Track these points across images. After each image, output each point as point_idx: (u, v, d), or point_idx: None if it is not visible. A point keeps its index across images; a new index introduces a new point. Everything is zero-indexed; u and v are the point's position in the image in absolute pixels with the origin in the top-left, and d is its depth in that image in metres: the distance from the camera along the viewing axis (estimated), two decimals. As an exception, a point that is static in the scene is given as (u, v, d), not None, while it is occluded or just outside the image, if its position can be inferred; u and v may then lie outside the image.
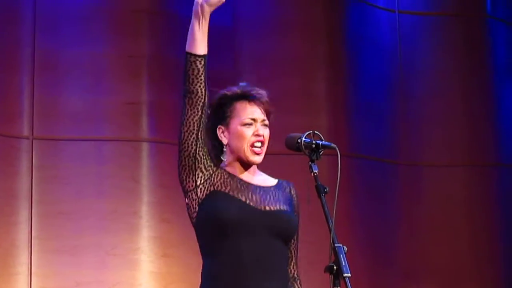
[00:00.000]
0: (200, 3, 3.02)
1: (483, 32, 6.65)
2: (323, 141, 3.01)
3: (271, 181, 3.17)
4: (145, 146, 5.42)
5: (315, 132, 3.03)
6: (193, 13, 3.03)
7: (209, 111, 3.12)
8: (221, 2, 3.02)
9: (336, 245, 2.83)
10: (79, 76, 5.40)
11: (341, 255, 2.81)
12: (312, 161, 3.00)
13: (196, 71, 3.03)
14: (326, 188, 2.94)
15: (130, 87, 5.45)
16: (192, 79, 3.03)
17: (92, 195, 5.28)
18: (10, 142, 5.24)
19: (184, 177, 3.07)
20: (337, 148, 2.96)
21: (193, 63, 3.03)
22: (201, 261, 3.09)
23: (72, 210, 5.24)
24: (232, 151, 3.12)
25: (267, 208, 3.05)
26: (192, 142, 3.05)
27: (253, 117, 3.11)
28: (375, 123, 6.23)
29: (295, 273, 3.16)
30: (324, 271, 2.83)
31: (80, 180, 5.28)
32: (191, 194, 3.07)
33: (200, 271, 3.08)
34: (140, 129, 5.43)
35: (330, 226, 2.86)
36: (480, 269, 6.36)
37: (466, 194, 6.44)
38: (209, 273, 3.04)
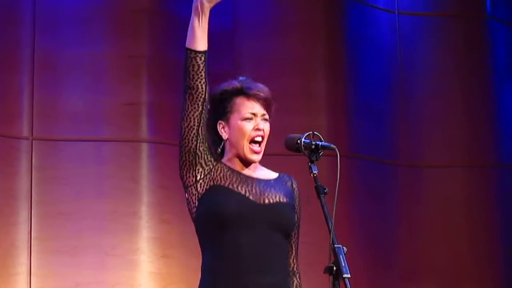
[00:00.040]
0: (197, 1, 3.02)
1: (483, 32, 6.65)
2: (323, 142, 3.01)
3: (272, 175, 3.18)
4: (144, 147, 5.42)
5: (315, 132, 3.03)
6: (193, 8, 3.04)
7: (209, 107, 3.12)
8: None
9: (335, 246, 2.83)
10: (79, 77, 5.40)
11: (341, 256, 2.81)
12: (312, 162, 3.00)
13: (196, 67, 3.04)
14: (325, 189, 2.94)
15: (130, 88, 5.45)
16: (193, 75, 3.04)
17: (91, 195, 5.28)
18: (9, 143, 5.24)
19: (185, 172, 3.08)
20: (336, 149, 2.96)
21: (193, 59, 3.04)
22: (200, 262, 3.09)
23: (71, 210, 5.24)
24: (232, 147, 3.13)
25: (267, 201, 3.06)
26: (193, 137, 3.06)
27: (253, 111, 3.12)
28: (374, 124, 6.23)
29: (295, 266, 3.16)
30: (324, 272, 2.83)
31: (79, 180, 5.28)
32: (191, 189, 3.08)
33: (199, 271, 3.08)
34: (139, 130, 5.42)
35: (330, 227, 2.86)
36: (480, 270, 6.36)
37: (466, 194, 6.43)
38: (208, 266, 3.05)
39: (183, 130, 3.06)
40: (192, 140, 3.06)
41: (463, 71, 6.55)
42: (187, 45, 3.05)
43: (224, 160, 3.15)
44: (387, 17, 6.46)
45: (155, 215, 5.36)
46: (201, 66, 3.04)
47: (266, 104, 3.15)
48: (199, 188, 3.07)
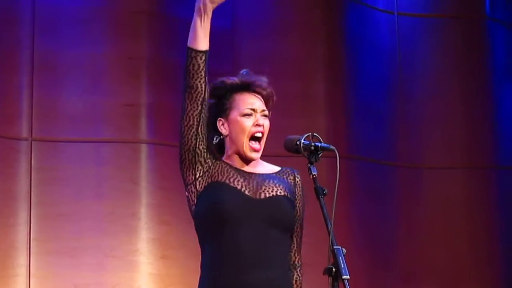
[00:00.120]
0: (200, 1, 3.02)
1: (482, 34, 6.65)
2: (322, 143, 3.01)
3: (273, 169, 3.18)
4: (144, 148, 5.42)
5: (314, 134, 3.03)
6: (195, 9, 3.04)
7: (208, 103, 3.12)
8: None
9: (335, 247, 2.82)
10: (78, 78, 5.40)
11: (340, 257, 2.80)
12: (311, 163, 3.00)
13: (196, 66, 3.04)
14: (325, 190, 2.94)
15: (129, 89, 5.45)
16: (193, 74, 3.04)
17: (91, 196, 5.28)
18: (9, 144, 5.24)
19: (185, 171, 3.09)
20: (336, 150, 2.96)
21: (193, 59, 3.04)
22: (200, 263, 3.10)
23: (71, 211, 5.24)
24: (232, 144, 3.13)
25: (263, 195, 3.06)
26: (192, 136, 3.06)
27: (253, 107, 3.12)
28: (374, 125, 6.23)
29: (296, 260, 3.15)
30: (323, 273, 2.82)
31: (79, 181, 5.28)
32: (191, 187, 3.09)
33: (198, 272, 3.08)
34: (139, 131, 5.42)
35: (329, 228, 2.86)
36: (479, 270, 6.36)
37: (465, 195, 6.43)
38: (207, 263, 3.05)
39: (183, 129, 3.07)
40: (191, 139, 3.06)
41: (463, 72, 6.55)
42: (189, 44, 3.06)
43: (224, 157, 3.15)
44: (387, 18, 6.46)
45: (155, 216, 5.36)
46: (201, 65, 3.04)
47: (266, 99, 3.15)
48: (198, 186, 3.08)
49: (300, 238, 3.16)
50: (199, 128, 3.06)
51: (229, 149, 3.14)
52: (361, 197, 6.05)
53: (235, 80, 3.15)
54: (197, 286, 3.09)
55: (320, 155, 3.01)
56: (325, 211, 2.91)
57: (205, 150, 3.08)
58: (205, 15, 3.04)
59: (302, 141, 3.02)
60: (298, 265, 3.15)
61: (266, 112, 3.14)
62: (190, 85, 3.04)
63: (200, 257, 3.10)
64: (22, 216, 5.19)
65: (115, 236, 5.27)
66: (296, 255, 3.15)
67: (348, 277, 2.78)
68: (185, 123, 3.06)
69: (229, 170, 3.09)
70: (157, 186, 5.38)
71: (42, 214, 5.21)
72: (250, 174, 3.10)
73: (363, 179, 6.09)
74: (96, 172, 5.32)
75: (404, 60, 6.46)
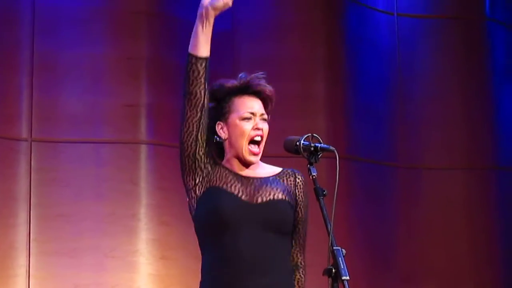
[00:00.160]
0: (205, 6, 3.02)
1: (482, 34, 6.65)
2: (322, 144, 3.00)
3: (274, 170, 3.17)
4: (143, 149, 5.41)
5: (314, 134, 3.02)
6: (197, 15, 3.04)
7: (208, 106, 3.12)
8: (226, 6, 3.03)
9: (334, 248, 2.82)
10: (78, 78, 5.40)
11: (340, 258, 2.80)
12: (311, 163, 2.99)
13: (196, 73, 3.04)
14: (324, 191, 2.93)
15: (129, 89, 5.44)
16: (192, 80, 3.04)
17: (90, 197, 5.28)
18: (8, 144, 5.24)
19: (185, 176, 3.09)
20: (335, 151, 2.95)
21: (193, 65, 3.04)
22: (199, 263, 3.10)
23: (70, 212, 5.24)
24: (231, 147, 3.13)
25: (260, 200, 3.05)
26: (192, 143, 3.06)
27: (252, 111, 3.11)
28: (373, 126, 6.23)
29: (299, 261, 3.14)
30: (323, 274, 2.82)
31: (78, 182, 5.28)
32: (191, 192, 3.09)
33: (198, 273, 3.09)
34: (138, 132, 5.42)
35: (329, 229, 2.86)
36: (479, 272, 6.36)
37: (465, 196, 6.43)
38: (205, 268, 3.06)
39: (183, 135, 3.06)
40: (191, 145, 3.06)
41: (462, 73, 6.55)
42: (190, 50, 3.05)
43: (223, 161, 3.15)
44: (386, 19, 6.46)
45: (154, 217, 5.36)
46: (201, 72, 3.04)
47: (265, 102, 3.15)
48: (197, 191, 3.08)
49: (303, 239, 3.15)
50: (199, 135, 3.05)
51: (228, 152, 3.14)
52: (361, 198, 6.05)
53: (234, 83, 3.15)
54: (196, 287, 3.09)
55: (319, 156, 3.00)
56: (324, 212, 2.90)
57: (205, 156, 3.08)
58: (207, 22, 3.03)
59: (302, 141, 3.01)
60: (300, 266, 3.14)
61: (265, 116, 3.13)
62: (189, 91, 3.04)
63: (200, 258, 3.10)
64: (22, 216, 5.19)
65: (115, 237, 5.27)
66: (298, 256, 3.14)
67: (347, 278, 2.78)
68: (185, 129, 3.05)
69: (227, 175, 3.08)
70: (157, 186, 5.38)
71: (42, 215, 5.21)
72: (248, 178, 3.09)
73: (363, 180, 6.09)
74: (96, 172, 5.32)
75: (404, 61, 6.46)
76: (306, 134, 3.03)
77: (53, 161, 5.29)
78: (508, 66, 6.73)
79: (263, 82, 3.16)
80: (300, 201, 3.13)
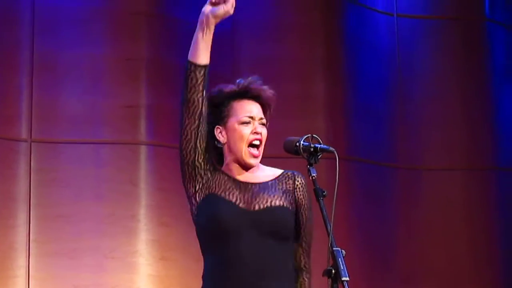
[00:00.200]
0: (206, 14, 3.01)
1: (481, 35, 6.65)
2: (321, 145, 3.00)
3: (274, 173, 3.15)
4: (143, 149, 5.41)
5: (314, 135, 3.02)
6: (198, 22, 3.03)
7: (207, 111, 3.12)
8: (227, 14, 3.02)
9: (334, 248, 2.82)
10: (78, 79, 5.39)
11: (339, 259, 2.80)
12: (311, 164, 2.99)
13: (194, 80, 3.03)
14: (324, 192, 2.93)
15: (129, 90, 5.44)
16: (190, 88, 3.03)
17: (90, 198, 5.28)
18: (8, 145, 5.24)
19: (186, 183, 3.10)
20: (335, 152, 2.95)
21: (192, 72, 3.03)
22: (199, 264, 3.10)
23: (70, 213, 5.24)
24: (230, 151, 3.12)
25: (257, 207, 3.04)
26: (191, 150, 3.05)
27: (251, 115, 3.10)
28: (373, 126, 6.23)
29: (302, 264, 3.11)
30: (322, 275, 2.82)
31: (78, 183, 5.28)
32: (192, 199, 3.09)
33: (198, 274, 3.09)
34: (138, 132, 5.42)
35: (329, 229, 2.86)
36: (478, 272, 6.36)
37: (465, 197, 6.43)
38: (206, 274, 3.06)
39: (181, 142, 3.06)
40: (190, 152, 3.06)
41: (462, 73, 6.55)
42: (189, 57, 3.05)
43: (223, 166, 3.14)
44: (386, 20, 6.46)
45: (154, 217, 5.36)
46: (199, 79, 3.03)
47: (264, 106, 3.14)
48: (197, 198, 3.08)
49: (307, 242, 3.12)
50: (198, 142, 3.05)
51: (227, 157, 3.13)
52: (361, 198, 6.05)
53: (233, 87, 3.14)
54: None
55: (319, 157, 3.00)
56: (324, 212, 2.90)
57: (204, 163, 3.07)
58: (208, 29, 3.03)
59: (302, 142, 3.01)
60: (304, 269, 3.12)
61: (264, 121, 3.12)
62: (187, 98, 3.03)
63: (199, 259, 3.11)
64: (22, 217, 5.18)
65: (115, 238, 5.27)
66: (302, 258, 3.12)
67: (347, 278, 2.78)
68: (183, 137, 3.05)
69: (226, 182, 3.08)
70: (157, 187, 5.37)
71: (42, 215, 5.20)
72: (247, 184, 3.08)
73: (363, 181, 6.09)
74: (96, 173, 5.32)
75: (404, 61, 6.46)
76: (305, 135, 3.02)
77: (52, 161, 5.29)
78: (507, 67, 6.72)
79: (263, 86, 3.15)
80: (300, 204, 3.12)
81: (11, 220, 5.17)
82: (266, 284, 2.99)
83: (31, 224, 5.19)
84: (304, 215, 3.12)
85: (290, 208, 3.09)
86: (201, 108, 3.04)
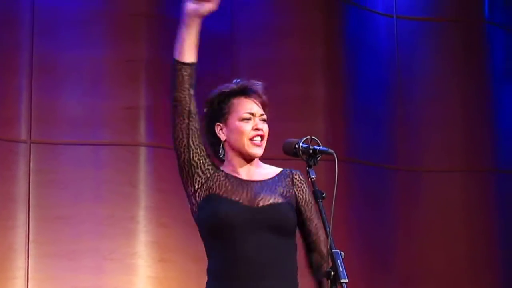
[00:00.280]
0: (189, 12, 3.01)
1: (481, 37, 6.66)
2: (321, 147, 3.00)
3: (274, 171, 3.16)
4: (142, 151, 5.41)
5: (313, 137, 3.02)
6: (181, 21, 3.03)
7: (206, 110, 3.12)
8: (211, 11, 3.01)
9: (333, 250, 2.82)
10: (77, 80, 5.39)
11: (339, 261, 2.80)
12: (310, 166, 2.99)
13: (181, 78, 3.03)
14: (323, 194, 2.93)
15: (128, 92, 5.44)
16: (177, 86, 3.04)
17: (89, 199, 5.28)
18: (7, 146, 5.24)
19: (184, 183, 3.10)
20: (334, 154, 2.95)
21: (178, 71, 3.03)
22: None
23: (69, 214, 5.24)
24: (231, 148, 3.12)
25: (261, 204, 3.04)
26: (184, 149, 3.05)
27: (252, 111, 3.10)
28: (373, 128, 6.23)
29: (324, 254, 3.09)
30: (322, 277, 2.82)
31: (77, 184, 5.28)
32: (191, 199, 3.09)
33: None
34: (137, 134, 5.42)
35: (328, 231, 2.86)
36: (477, 274, 6.36)
37: (464, 199, 6.44)
38: (210, 271, 3.06)
39: (174, 142, 3.07)
40: (184, 151, 3.05)
41: (461, 75, 6.55)
42: (175, 56, 3.05)
43: (224, 165, 3.14)
44: (386, 22, 6.46)
45: (153, 219, 5.36)
46: (186, 78, 3.03)
47: (263, 104, 3.14)
48: (197, 197, 3.08)
49: (319, 231, 3.08)
50: (190, 140, 3.05)
51: (228, 154, 3.13)
52: (360, 200, 6.05)
53: (232, 86, 3.14)
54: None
55: (318, 159, 3.00)
56: (323, 214, 2.90)
57: (201, 161, 3.07)
58: (192, 28, 3.03)
59: (301, 144, 3.01)
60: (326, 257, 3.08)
61: (265, 117, 3.13)
62: (175, 98, 3.04)
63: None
64: (21, 218, 5.18)
65: (114, 239, 5.27)
66: (323, 248, 3.09)
67: (346, 280, 2.78)
68: (175, 136, 3.05)
69: (227, 181, 3.07)
70: (156, 188, 5.37)
71: (41, 217, 5.20)
72: (248, 182, 3.09)
73: (362, 183, 6.09)
74: (95, 175, 5.32)
75: (403, 63, 6.47)
76: (305, 137, 3.02)
77: (52, 163, 5.29)
78: (507, 69, 6.73)
79: (260, 85, 3.16)
80: (300, 199, 3.13)
81: (10, 221, 5.17)
82: (271, 282, 2.98)
83: (30, 225, 5.19)
84: (306, 209, 3.12)
85: (292, 204, 3.10)
86: (190, 106, 3.04)
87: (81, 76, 5.40)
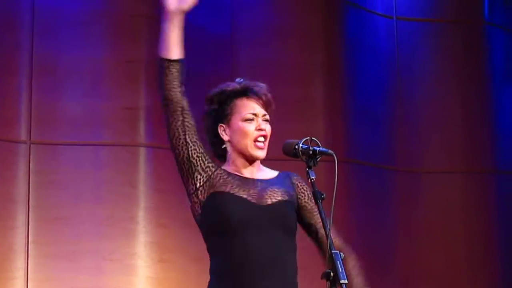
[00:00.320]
0: (171, 9, 3.02)
1: (481, 38, 6.66)
2: (320, 148, 3.00)
3: (273, 174, 3.17)
4: (142, 151, 5.41)
5: (313, 138, 3.02)
6: (163, 18, 3.03)
7: (206, 108, 3.11)
8: (192, 5, 3.01)
9: (333, 251, 2.82)
10: (77, 81, 5.39)
11: (338, 262, 2.80)
12: (309, 167, 2.99)
13: (170, 76, 3.02)
14: (323, 194, 2.93)
15: (128, 92, 5.44)
16: (167, 85, 3.03)
17: (89, 200, 5.27)
18: (7, 147, 5.24)
19: (184, 181, 3.08)
20: (334, 155, 2.95)
21: (166, 69, 3.02)
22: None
23: (69, 215, 5.24)
24: (234, 148, 3.11)
25: (269, 201, 3.04)
26: (182, 147, 3.04)
27: (255, 112, 3.10)
28: (372, 129, 6.23)
29: (337, 241, 3.09)
30: (321, 278, 2.82)
31: (77, 185, 5.28)
32: (193, 197, 3.07)
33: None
34: (137, 134, 5.42)
35: (327, 232, 2.86)
36: (477, 275, 6.36)
37: (464, 200, 6.44)
38: (215, 271, 3.04)
39: (171, 141, 3.05)
40: (182, 149, 3.04)
41: (461, 76, 6.56)
42: (160, 54, 3.04)
43: (226, 164, 3.14)
44: (386, 23, 6.46)
45: (153, 219, 5.36)
46: (175, 74, 3.02)
47: (267, 104, 3.14)
48: (200, 196, 3.06)
49: (324, 224, 3.05)
50: (187, 137, 3.03)
51: (231, 154, 3.12)
52: (360, 201, 6.05)
53: (235, 86, 3.14)
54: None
55: (318, 160, 3.00)
56: (323, 215, 2.90)
57: (200, 159, 3.06)
58: (175, 24, 3.02)
59: (301, 145, 3.01)
60: (342, 246, 3.11)
61: (267, 117, 3.13)
62: (165, 96, 3.03)
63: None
64: (20, 219, 5.18)
65: (113, 240, 5.27)
66: (336, 239, 3.09)
67: (346, 281, 2.78)
68: (171, 135, 3.04)
69: (231, 179, 3.06)
70: (155, 189, 5.37)
71: (40, 217, 5.20)
72: (253, 180, 3.09)
73: (362, 183, 6.09)
74: (95, 175, 5.32)
75: (403, 64, 6.47)
76: (305, 138, 3.02)
77: (52, 163, 5.29)
78: (507, 70, 6.73)
79: (263, 85, 3.15)
80: (301, 197, 3.14)
81: (10, 221, 5.17)
82: (278, 280, 2.98)
83: (30, 226, 5.19)
84: (307, 208, 3.13)
85: (294, 203, 3.11)
86: (182, 103, 3.02)
87: (81, 77, 5.40)
